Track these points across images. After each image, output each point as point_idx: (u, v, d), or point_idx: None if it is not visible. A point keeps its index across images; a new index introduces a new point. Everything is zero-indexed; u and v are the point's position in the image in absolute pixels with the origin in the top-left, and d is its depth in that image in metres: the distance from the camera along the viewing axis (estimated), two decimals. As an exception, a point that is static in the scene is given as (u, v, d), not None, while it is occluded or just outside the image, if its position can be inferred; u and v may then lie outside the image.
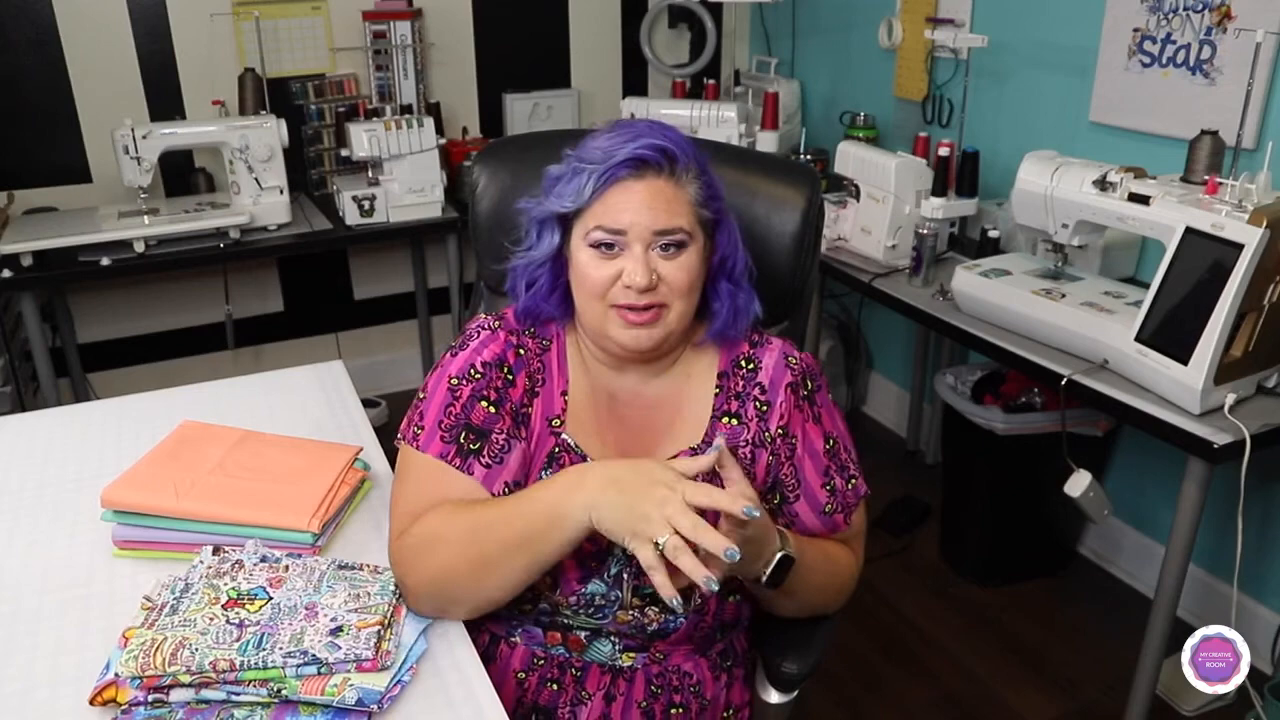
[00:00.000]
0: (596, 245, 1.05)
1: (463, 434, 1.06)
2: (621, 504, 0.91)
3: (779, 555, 1.01)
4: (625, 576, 1.06)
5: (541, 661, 1.11)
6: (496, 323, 1.14)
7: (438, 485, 1.05)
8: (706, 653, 1.14)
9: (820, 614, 1.18)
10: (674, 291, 1.05)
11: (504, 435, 1.07)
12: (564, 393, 1.13)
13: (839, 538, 1.16)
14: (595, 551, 1.07)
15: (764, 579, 1.01)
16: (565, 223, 1.08)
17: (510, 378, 1.10)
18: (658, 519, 0.89)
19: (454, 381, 1.08)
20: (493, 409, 1.07)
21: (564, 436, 1.10)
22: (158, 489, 1.15)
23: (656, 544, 0.88)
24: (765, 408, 1.12)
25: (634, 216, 1.03)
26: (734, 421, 1.12)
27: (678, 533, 0.88)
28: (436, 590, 1.01)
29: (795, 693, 1.18)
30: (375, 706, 0.90)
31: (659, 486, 0.91)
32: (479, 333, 1.13)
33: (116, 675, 0.90)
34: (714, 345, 1.15)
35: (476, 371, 1.09)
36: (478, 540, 0.99)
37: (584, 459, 1.09)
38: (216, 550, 1.06)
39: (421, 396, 1.10)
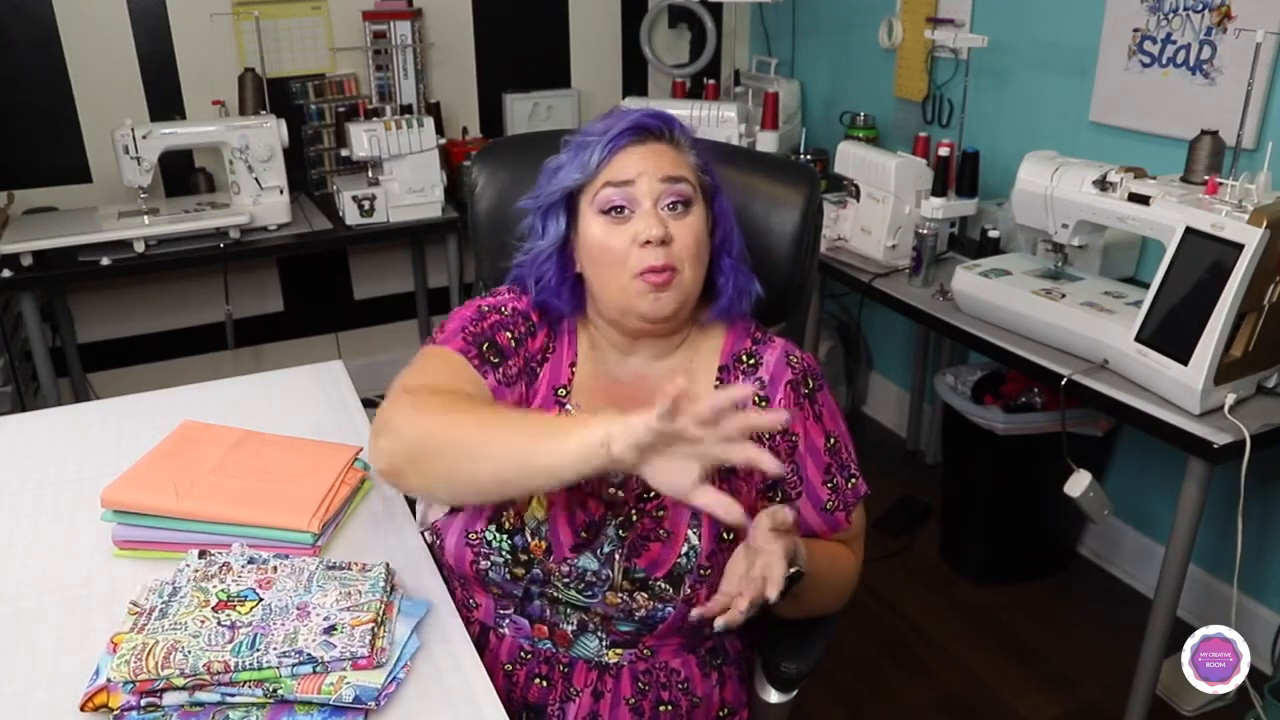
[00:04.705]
0: (607, 211, 1.07)
1: (485, 344, 1.10)
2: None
3: (791, 570, 1.01)
4: (617, 557, 1.06)
5: (529, 656, 1.11)
6: (521, 290, 1.17)
7: (451, 370, 1.06)
8: (695, 650, 1.14)
9: (822, 615, 1.19)
10: (685, 251, 1.07)
11: (516, 369, 1.11)
12: (571, 364, 1.15)
13: (840, 537, 1.16)
14: (590, 523, 1.08)
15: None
16: (571, 204, 1.10)
17: (533, 330, 1.14)
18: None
19: (484, 308, 1.14)
20: (514, 343, 1.12)
21: (568, 407, 1.13)
22: (158, 489, 1.15)
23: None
24: (764, 404, 1.13)
25: (641, 167, 1.06)
26: None
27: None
28: (410, 447, 0.97)
29: (794, 692, 1.18)
30: (373, 704, 0.90)
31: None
32: (508, 291, 1.18)
33: (108, 680, 0.90)
34: (719, 330, 1.17)
35: (505, 310, 1.14)
36: (484, 419, 0.97)
37: None
38: (203, 553, 1.05)
39: (445, 321, 1.14)
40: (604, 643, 1.10)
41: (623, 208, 1.06)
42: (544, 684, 1.11)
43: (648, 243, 1.04)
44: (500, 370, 1.09)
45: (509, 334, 1.12)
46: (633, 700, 1.11)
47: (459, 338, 1.10)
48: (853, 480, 1.15)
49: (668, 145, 1.09)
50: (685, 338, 1.16)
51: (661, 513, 1.08)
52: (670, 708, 1.13)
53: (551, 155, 1.14)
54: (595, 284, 1.11)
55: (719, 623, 0.96)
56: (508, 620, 1.12)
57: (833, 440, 1.14)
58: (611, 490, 1.10)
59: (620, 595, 1.06)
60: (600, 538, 1.07)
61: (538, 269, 1.13)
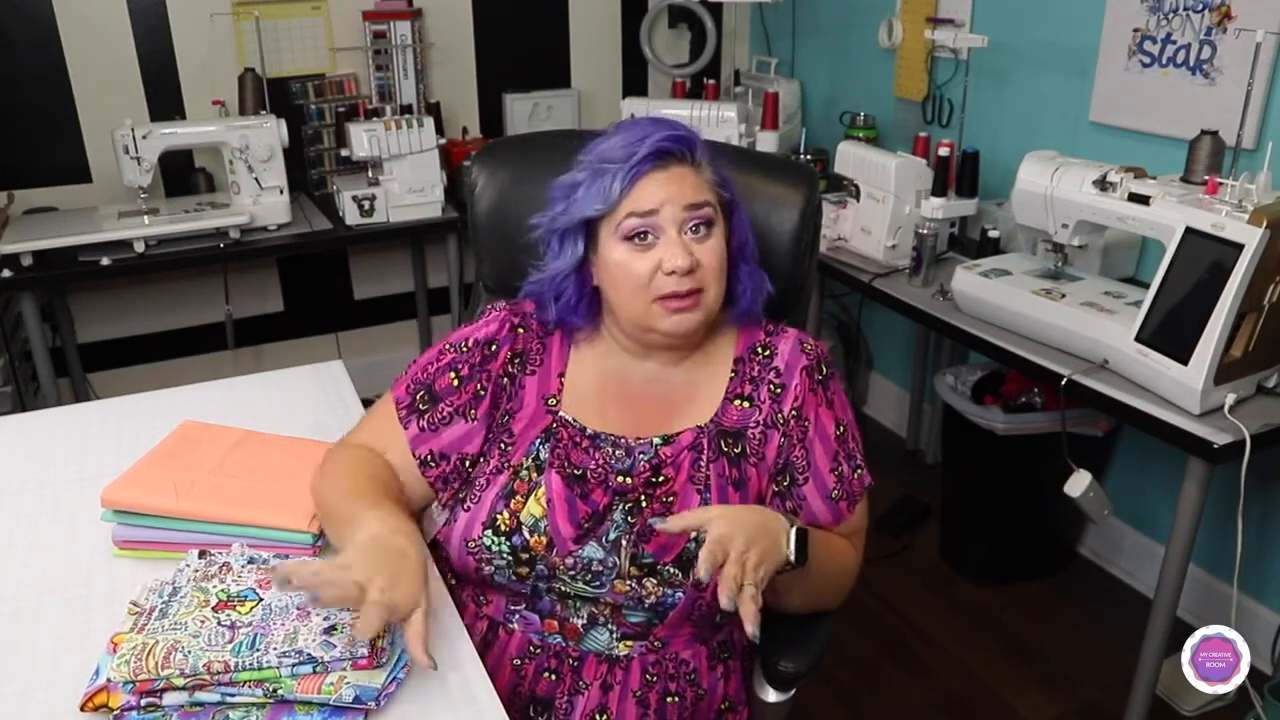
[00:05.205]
0: (630, 237, 1.07)
1: (421, 392, 1.14)
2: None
3: (794, 530, 1.02)
4: (624, 543, 1.07)
5: (538, 650, 1.12)
6: (506, 306, 1.19)
7: (379, 423, 1.16)
8: (707, 641, 1.15)
9: (822, 609, 1.19)
10: (709, 274, 1.08)
11: (451, 409, 1.13)
12: (561, 374, 1.16)
13: (841, 531, 1.17)
14: (592, 514, 1.08)
15: (792, 558, 1.01)
16: (589, 228, 1.10)
17: (493, 352, 1.15)
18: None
19: (446, 346, 1.17)
20: (456, 382, 1.14)
21: (561, 414, 1.14)
22: (158, 489, 1.15)
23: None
24: (780, 390, 1.14)
25: (664, 195, 1.06)
26: (746, 404, 1.14)
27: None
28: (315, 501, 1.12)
29: (792, 692, 1.18)
30: (373, 704, 0.90)
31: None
32: (487, 312, 1.20)
33: (108, 680, 0.89)
34: (732, 329, 1.18)
35: (465, 345, 1.16)
36: (340, 501, 1.07)
37: (582, 431, 1.13)
38: (203, 553, 1.05)
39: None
40: (614, 635, 1.10)
41: (646, 233, 1.07)
42: (553, 678, 1.12)
43: (673, 271, 1.05)
44: (427, 416, 1.13)
45: (453, 374, 1.14)
46: (640, 692, 1.11)
47: (405, 385, 1.16)
48: (858, 470, 1.16)
49: (689, 168, 1.09)
50: (700, 342, 1.17)
51: (671, 498, 1.09)
52: (676, 699, 1.13)
53: (556, 163, 1.14)
54: (615, 303, 1.12)
55: (749, 627, 0.91)
56: (518, 616, 1.12)
57: (842, 428, 1.15)
58: (619, 479, 1.11)
59: (629, 583, 1.06)
60: (604, 526, 1.08)
61: (556, 287, 1.14)
